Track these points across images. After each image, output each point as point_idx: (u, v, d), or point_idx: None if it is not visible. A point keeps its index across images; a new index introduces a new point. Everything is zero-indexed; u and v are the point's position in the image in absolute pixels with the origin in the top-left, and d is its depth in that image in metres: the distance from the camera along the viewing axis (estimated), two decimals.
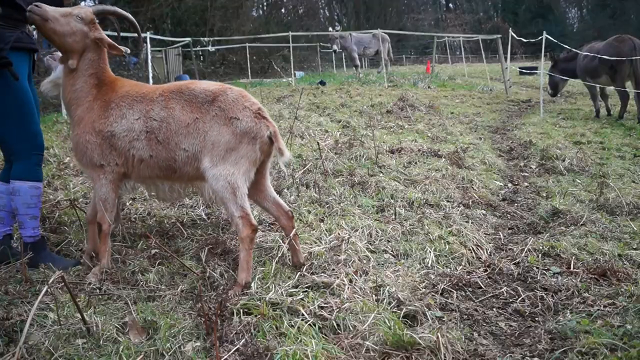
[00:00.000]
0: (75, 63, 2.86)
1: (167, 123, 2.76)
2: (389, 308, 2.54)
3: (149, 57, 13.67)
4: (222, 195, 2.68)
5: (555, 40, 11.00)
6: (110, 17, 3.04)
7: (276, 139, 2.74)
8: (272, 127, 2.75)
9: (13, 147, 2.99)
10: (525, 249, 3.35)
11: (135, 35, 3.13)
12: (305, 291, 2.65)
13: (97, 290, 2.76)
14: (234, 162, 2.68)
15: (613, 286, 2.86)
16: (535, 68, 20.78)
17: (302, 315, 2.40)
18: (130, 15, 2.99)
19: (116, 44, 2.94)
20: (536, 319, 2.61)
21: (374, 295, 2.70)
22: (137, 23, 3.01)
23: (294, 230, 3.01)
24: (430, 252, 3.28)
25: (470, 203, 4.45)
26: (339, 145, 6.09)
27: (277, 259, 3.14)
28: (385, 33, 18.43)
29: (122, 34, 17.05)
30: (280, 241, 3.33)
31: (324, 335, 2.30)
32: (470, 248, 3.41)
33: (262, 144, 2.73)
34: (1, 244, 3.11)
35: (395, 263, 3.19)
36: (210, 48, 20.65)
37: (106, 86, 2.89)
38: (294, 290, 2.66)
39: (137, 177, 2.92)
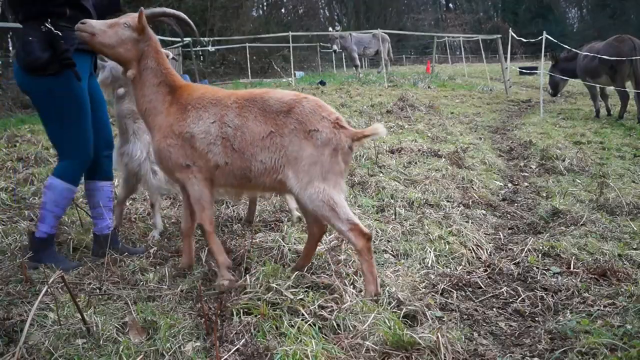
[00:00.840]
0: (134, 73, 2.78)
1: (242, 132, 2.65)
2: (389, 308, 2.54)
3: None
4: (322, 214, 2.58)
5: (555, 40, 11.00)
6: (163, 19, 2.96)
7: (363, 134, 2.61)
8: (350, 134, 2.61)
9: (63, 145, 3.01)
10: (525, 249, 3.35)
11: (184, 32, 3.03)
12: (306, 291, 2.65)
13: (98, 290, 2.77)
14: (322, 178, 2.55)
15: (613, 286, 2.86)
16: (535, 68, 20.79)
17: (302, 315, 2.40)
18: (181, 14, 2.90)
19: (159, 49, 2.84)
20: (536, 319, 2.61)
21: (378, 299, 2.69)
22: (189, 20, 2.92)
23: (319, 240, 2.94)
24: (430, 252, 3.27)
25: (470, 203, 4.45)
26: None
27: (277, 258, 3.15)
28: (385, 33, 18.43)
29: None
30: (281, 241, 3.33)
31: (324, 335, 2.30)
32: (470, 248, 3.41)
33: (344, 155, 2.62)
34: (113, 237, 3.16)
35: (395, 263, 3.19)
36: (210, 48, 20.64)
37: (179, 90, 2.81)
38: (294, 290, 2.66)
39: (216, 183, 2.80)
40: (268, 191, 2.88)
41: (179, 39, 18.89)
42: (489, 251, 3.43)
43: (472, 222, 3.92)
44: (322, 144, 2.55)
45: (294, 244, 3.36)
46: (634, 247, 3.44)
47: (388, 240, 3.52)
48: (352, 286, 2.75)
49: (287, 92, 2.74)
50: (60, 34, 2.80)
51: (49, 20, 2.81)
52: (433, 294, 2.80)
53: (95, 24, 2.71)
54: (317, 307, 2.46)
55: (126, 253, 3.20)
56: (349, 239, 2.60)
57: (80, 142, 3.00)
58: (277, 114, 2.63)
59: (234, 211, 4.15)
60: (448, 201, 4.41)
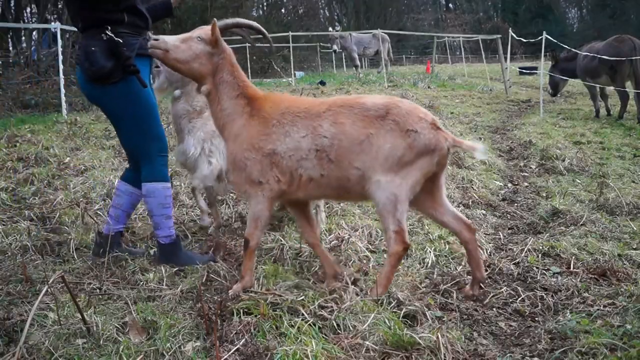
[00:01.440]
0: (208, 88, 2.71)
1: (339, 140, 2.56)
2: (389, 308, 2.54)
3: None
4: (383, 206, 2.53)
5: (555, 40, 11.00)
6: (236, 30, 2.91)
7: (460, 144, 2.60)
8: (449, 137, 2.59)
9: (141, 150, 3.00)
10: (525, 249, 3.35)
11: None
12: (306, 291, 2.65)
13: (98, 290, 2.77)
14: (403, 175, 2.52)
15: (613, 286, 2.86)
16: (535, 68, 20.78)
17: (302, 315, 2.40)
18: (254, 23, 2.84)
19: (234, 62, 2.75)
20: (536, 319, 2.61)
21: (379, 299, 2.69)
22: (264, 30, 2.87)
23: (476, 244, 2.85)
24: (430, 252, 3.28)
25: (470, 203, 4.45)
26: None
27: (277, 258, 3.15)
28: (385, 33, 18.42)
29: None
30: (282, 240, 3.33)
31: (324, 335, 2.30)
32: None
33: (441, 157, 2.58)
34: (113, 239, 3.12)
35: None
36: None
37: (258, 101, 2.71)
38: (294, 290, 2.66)
39: (305, 195, 2.71)
40: (359, 200, 2.79)
41: None
42: (489, 251, 3.43)
43: (472, 222, 3.92)
44: (418, 144, 2.52)
45: (294, 243, 3.36)
46: (634, 247, 3.44)
47: None
48: (352, 286, 2.75)
49: (382, 97, 2.68)
50: (121, 41, 2.79)
51: (109, 27, 2.79)
52: (433, 294, 2.80)
53: (168, 40, 2.65)
54: (317, 307, 2.47)
55: (191, 261, 3.10)
56: (389, 239, 2.56)
57: (156, 141, 2.99)
58: (375, 117, 2.56)
59: (233, 211, 4.15)
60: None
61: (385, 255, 3.29)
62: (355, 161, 2.56)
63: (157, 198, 3.00)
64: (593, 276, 2.99)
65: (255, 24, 2.83)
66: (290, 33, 16.87)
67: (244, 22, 2.85)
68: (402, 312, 2.51)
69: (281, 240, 3.34)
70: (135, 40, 2.87)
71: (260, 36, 2.89)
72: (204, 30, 2.68)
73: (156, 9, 3.10)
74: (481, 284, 2.84)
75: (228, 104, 2.70)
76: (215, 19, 2.67)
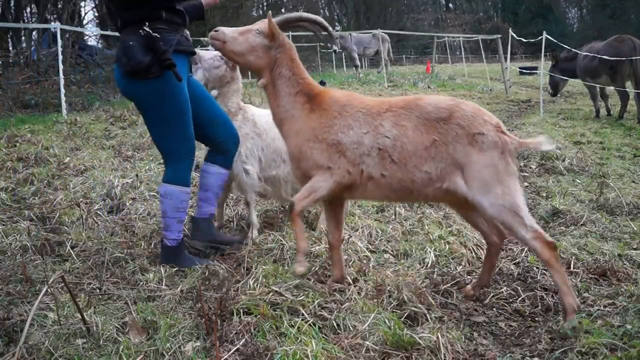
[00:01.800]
0: (265, 81, 2.68)
1: (402, 143, 2.49)
2: (389, 308, 2.54)
3: None
4: (502, 220, 2.42)
5: (555, 40, 11.00)
6: (303, 24, 2.85)
7: (527, 145, 2.51)
8: (515, 140, 2.49)
9: (171, 149, 3.00)
10: (526, 249, 3.35)
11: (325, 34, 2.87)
12: (306, 291, 2.65)
13: (98, 290, 2.77)
14: (498, 182, 2.40)
15: (613, 286, 2.86)
16: (535, 68, 20.78)
17: (302, 315, 2.40)
18: (318, 18, 2.79)
19: (294, 57, 2.70)
20: (536, 319, 2.61)
21: (376, 295, 2.69)
22: (327, 24, 2.81)
23: (499, 251, 2.82)
24: (430, 252, 3.27)
25: None
26: None
27: (278, 258, 3.15)
28: (385, 33, 18.43)
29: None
30: (282, 240, 3.33)
31: (324, 335, 2.30)
32: (470, 248, 3.41)
33: (513, 157, 2.48)
34: (207, 221, 3.18)
35: (396, 263, 3.19)
36: (211, 48, 20.65)
37: (318, 97, 2.66)
38: (295, 290, 2.66)
39: (362, 193, 2.64)
40: (430, 201, 2.72)
41: None
42: None
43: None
44: (488, 147, 2.42)
45: (294, 243, 3.36)
46: (634, 247, 3.44)
47: (388, 240, 3.52)
48: (353, 285, 2.75)
49: (443, 98, 2.60)
50: (158, 36, 2.79)
51: (147, 24, 2.80)
52: (433, 294, 2.80)
53: (227, 32, 2.64)
54: (317, 307, 2.47)
55: (222, 240, 3.26)
56: (533, 249, 2.41)
57: (185, 143, 2.99)
58: (437, 121, 2.48)
59: (233, 210, 4.15)
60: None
61: (385, 256, 3.29)
62: (423, 166, 2.48)
63: (173, 201, 3.00)
64: (593, 276, 2.99)
65: (319, 18, 2.78)
66: (290, 33, 16.86)
67: (307, 17, 2.79)
68: (404, 312, 2.51)
69: (281, 240, 3.34)
70: (172, 36, 2.86)
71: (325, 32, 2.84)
72: (264, 24, 2.64)
73: (188, 11, 3.08)
74: (484, 287, 2.83)
75: (286, 100, 2.66)
76: (270, 11, 2.64)
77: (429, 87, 14.29)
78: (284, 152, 3.53)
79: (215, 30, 2.66)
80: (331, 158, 2.55)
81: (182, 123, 2.95)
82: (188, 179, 3.05)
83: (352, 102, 2.62)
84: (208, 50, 3.66)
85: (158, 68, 2.81)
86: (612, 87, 9.26)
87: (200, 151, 3.37)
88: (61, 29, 10.10)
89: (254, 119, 3.57)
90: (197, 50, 3.47)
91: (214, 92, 3.49)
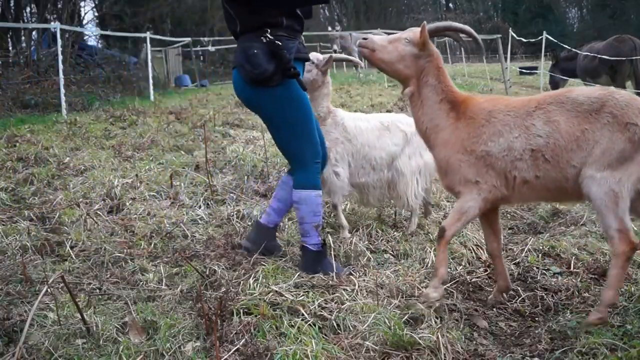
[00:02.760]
0: (412, 90, 2.66)
1: (555, 139, 2.44)
2: (389, 308, 2.53)
3: (149, 57, 13.68)
4: (600, 202, 2.37)
5: (555, 40, 11.01)
6: (447, 33, 2.82)
7: None
8: None
9: (298, 155, 2.97)
10: (525, 249, 3.35)
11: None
12: (306, 291, 2.65)
13: (98, 290, 2.77)
14: (624, 170, 2.35)
15: None
16: (536, 68, 20.77)
17: (302, 315, 2.40)
18: (467, 27, 2.74)
19: (440, 65, 2.66)
20: (536, 319, 2.61)
21: (378, 294, 2.69)
22: (474, 32, 2.77)
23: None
24: (430, 252, 3.27)
25: None
26: None
27: (277, 258, 3.14)
28: (385, 33, 18.40)
29: (122, 34, 16.94)
30: (283, 239, 3.32)
31: (324, 335, 2.30)
32: (470, 248, 3.41)
33: None
34: (270, 231, 3.17)
35: (396, 263, 3.19)
36: (210, 48, 20.64)
37: (462, 105, 2.63)
38: (295, 290, 2.66)
39: (518, 199, 2.63)
40: (581, 200, 2.63)
41: (179, 39, 18.93)
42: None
43: (472, 222, 3.92)
44: (638, 137, 2.34)
45: (296, 243, 3.36)
46: None
47: (388, 241, 3.52)
48: (352, 285, 2.75)
49: (595, 89, 2.53)
50: (280, 44, 2.76)
51: (268, 30, 2.77)
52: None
53: (377, 40, 2.64)
54: (317, 307, 2.47)
55: (274, 248, 3.20)
56: (611, 239, 2.38)
57: (311, 147, 2.95)
58: (589, 111, 2.42)
59: (234, 209, 4.15)
60: (448, 201, 4.41)
61: (385, 256, 3.29)
62: (573, 159, 2.43)
63: (309, 206, 2.96)
64: (593, 276, 2.99)
65: (466, 27, 2.74)
66: None
67: (455, 26, 2.76)
68: (403, 312, 2.50)
69: (282, 239, 3.34)
70: (292, 43, 2.84)
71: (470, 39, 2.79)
72: (413, 33, 2.62)
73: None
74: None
75: (431, 108, 2.64)
76: (425, 21, 2.60)
77: None
78: (373, 159, 3.53)
79: (365, 39, 2.64)
80: (479, 172, 2.53)
81: (306, 127, 2.91)
82: (319, 182, 3.01)
83: (498, 107, 2.57)
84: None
85: (280, 76, 2.78)
86: (612, 87, 9.25)
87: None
88: (61, 29, 10.11)
89: (344, 123, 3.53)
90: None
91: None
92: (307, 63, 3.34)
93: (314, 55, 3.47)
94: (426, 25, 2.59)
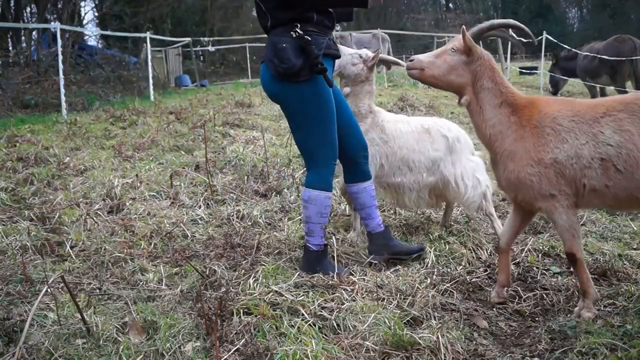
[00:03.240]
0: (468, 99, 2.59)
1: (627, 149, 2.34)
2: (389, 308, 2.53)
3: (149, 57, 13.68)
4: None
5: (555, 40, 11.01)
6: (492, 32, 2.76)
7: None
8: None
9: (314, 154, 2.94)
10: (525, 249, 3.35)
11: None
12: (306, 291, 2.65)
13: (98, 290, 2.77)
14: None
15: (613, 286, 2.86)
16: (536, 68, 20.75)
17: (302, 315, 2.40)
18: (510, 21, 2.71)
19: (493, 66, 2.60)
20: (536, 319, 2.61)
21: (379, 291, 2.69)
22: (520, 24, 2.71)
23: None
24: (430, 252, 3.27)
25: None
26: None
27: (278, 258, 3.14)
28: (385, 33, 18.44)
29: (122, 34, 16.94)
30: (283, 239, 3.32)
31: (324, 335, 2.30)
32: (470, 248, 3.41)
33: None
34: (382, 235, 3.14)
35: (396, 263, 3.19)
36: (210, 48, 20.66)
37: (525, 109, 2.54)
38: (295, 290, 2.66)
39: (584, 206, 2.59)
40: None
41: (179, 39, 18.94)
42: (489, 251, 3.43)
43: (472, 222, 3.92)
44: None
45: (296, 243, 3.36)
46: (634, 247, 3.44)
47: None
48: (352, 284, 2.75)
49: None
50: (310, 39, 2.76)
51: (298, 25, 2.76)
52: (434, 294, 2.80)
53: (423, 58, 2.60)
54: (317, 307, 2.47)
55: (401, 251, 3.16)
56: None
57: (329, 148, 2.94)
58: None
59: (234, 209, 4.15)
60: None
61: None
62: None
63: (317, 206, 2.95)
64: (593, 276, 2.98)
65: (511, 21, 2.70)
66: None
67: (499, 23, 2.70)
68: (403, 312, 2.51)
69: (282, 239, 3.34)
70: (322, 39, 2.83)
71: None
72: (458, 41, 2.57)
73: (336, 11, 3.02)
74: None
75: (491, 114, 2.56)
76: (464, 26, 2.55)
77: (429, 87, 14.28)
78: (410, 161, 3.48)
79: (411, 60, 2.61)
80: (551, 183, 2.45)
81: (327, 127, 2.90)
82: (331, 183, 3.00)
83: (563, 112, 2.48)
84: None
85: (308, 72, 2.76)
86: (612, 87, 9.26)
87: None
88: (61, 29, 10.11)
89: (383, 124, 3.49)
90: (338, 45, 3.44)
91: (346, 90, 3.43)
92: (355, 57, 3.36)
93: (364, 51, 3.48)
94: (466, 30, 2.54)
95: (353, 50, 3.47)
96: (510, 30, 2.79)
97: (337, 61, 3.31)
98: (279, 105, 3.03)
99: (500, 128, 2.55)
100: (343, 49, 3.43)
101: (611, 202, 2.51)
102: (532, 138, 2.48)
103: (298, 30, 2.75)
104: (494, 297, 2.77)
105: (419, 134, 3.55)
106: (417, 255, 3.18)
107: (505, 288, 2.79)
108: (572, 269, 3.08)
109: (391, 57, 4.08)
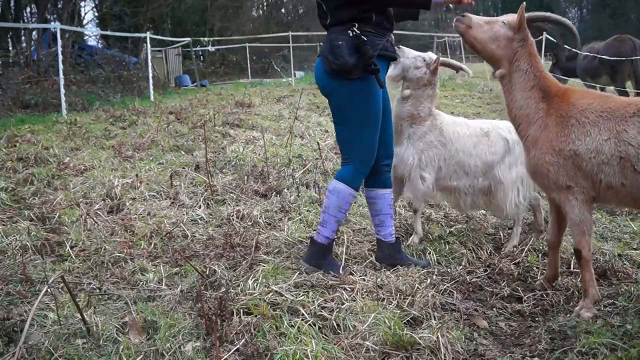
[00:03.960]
0: (503, 72, 2.64)
1: None
2: (389, 308, 2.53)
3: (149, 57, 13.68)
4: None
5: (555, 40, 11.00)
6: (539, 24, 2.82)
7: None
8: None
9: (352, 151, 2.95)
10: (526, 249, 3.35)
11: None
12: (306, 291, 2.65)
13: (98, 290, 2.77)
14: None
15: (613, 286, 2.86)
16: None
17: (302, 315, 2.40)
18: (562, 19, 2.76)
19: (533, 52, 2.63)
20: (536, 319, 2.61)
21: (379, 291, 2.69)
22: (570, 24, 2.77)
23: None
24: (430, 252, 3.27)
25: None
26: None
27: (278, 257, 3.14)
28: None
29: (122, 34, 16.95)
30: (283, 239, 3.32)
31: (324, 335, 2.30)
32: (470, 248, 3.41)
33: None
34: (392, 246, 3.12)
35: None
36: (210, 48, 20.65)
37: (557, 98, 2.55)
38: (295, 290, 2.66)
39: (602, 201, 2.60)
40: None
41: (179, 39, 18.94)
42: (489, 251, 3.43)
43: (472, 222, 3.92)
44: None
45: (296, 243, 3.36)
46: (634, 247, 3.44)
47: None
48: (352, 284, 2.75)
49: None
50: (365, 39, 2.79)
51: (356, 25, 2.80)
52: (433, 294, 2.80)
53: (474, 18, 2.65)
54: (317, 307, 2.47)
55: (407, 265, 3.10)
56: None
57: (368, 148, 2.94)
58: None
59: (233, 210, 4.15)
60: (448, 201, 4.40)
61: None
62: None
63: (339, 199, 2.95)
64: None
65: (563, 19, 2.75)
66: (290, 33, 16.89)
67: (553, 18, 2.77)
68: (403, 312, 2.51)
69: (282, 239, 3.34)
70: (379, 40, 2.85)
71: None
72: (510, 16, 2.63)
73: (400, 11, 3.06)
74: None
75: (521, 95, 2.61)
76: (524, 3, 2.56)
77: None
78: (467, 165, 3.46)
79: (463, 15, 2.66)
80: (569, 175, 2.46)
81: (370, 127, 2.91)
82: (359, 184, 3.01)
83: (592, 106, 2.47)
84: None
85: (361, 70, 2.79)
86: (612, 87, 9.25)
87: None
88: (61, 29, 10.11)
89: (442, 127, 3.47)
90: (402, 47, 3.41)
91: (407, 92, 3.42)
92: (419, 60, 3.36)
93: (428, 54, 3.48)
94: (524, 8, 2.56)
95: (417, 52, 3.47)
96: (549, 26, 2.84)
97: (399, 64, 3.36)
98: (327, 100, 3.05)
99: (527, 112, 2.59)
100: (407, 51, 3.45)
101: (627, 200, 2.52)
102: (556, 127, 2.50)
103: (355, 30, 2.80)
104: (538, 284, 2.83)
105: (477, 137, 3.51)
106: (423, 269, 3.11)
107: (551, 282, 2.82)
108: (571, 269, 3.09)
109: (456, 62, 4.05)
